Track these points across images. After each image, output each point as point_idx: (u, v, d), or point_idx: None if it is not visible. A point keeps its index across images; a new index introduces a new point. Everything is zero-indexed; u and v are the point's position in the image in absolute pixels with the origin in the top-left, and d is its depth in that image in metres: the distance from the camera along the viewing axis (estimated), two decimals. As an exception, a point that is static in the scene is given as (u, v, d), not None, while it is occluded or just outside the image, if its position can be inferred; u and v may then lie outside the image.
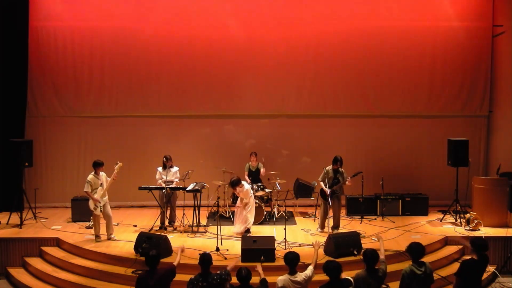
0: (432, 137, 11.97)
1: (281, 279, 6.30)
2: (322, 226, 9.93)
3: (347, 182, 9.60)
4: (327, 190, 9.51)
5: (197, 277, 6.24)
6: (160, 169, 10.20)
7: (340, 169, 9.66)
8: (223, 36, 11.78)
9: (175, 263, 6.75)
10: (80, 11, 11.65)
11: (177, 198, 10.48)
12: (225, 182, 10.79)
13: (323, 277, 7.67)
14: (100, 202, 9.24)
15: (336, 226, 9.78)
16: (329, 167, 9.72)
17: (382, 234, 9.71)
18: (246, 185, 9.68)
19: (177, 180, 10.22)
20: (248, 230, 9.63)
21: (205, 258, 6.32)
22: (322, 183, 9.66)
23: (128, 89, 11.87)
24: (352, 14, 11.79)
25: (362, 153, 12.02)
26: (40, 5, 11.59)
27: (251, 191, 9.77)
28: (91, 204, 9.25)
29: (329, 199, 9.41)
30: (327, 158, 9.92)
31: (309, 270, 6.44)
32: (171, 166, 10.16)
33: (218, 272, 6.33)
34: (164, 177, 10.06)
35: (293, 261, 6.34)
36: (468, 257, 6.84)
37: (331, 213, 9.73)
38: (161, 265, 6.55)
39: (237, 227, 9.74)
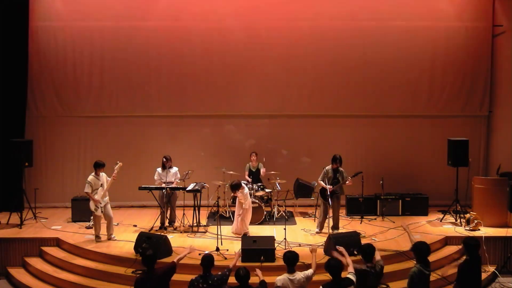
0: (432, 137, 11.96)
1: (280, 278, 6.30)
2: (321, 227, 9.88)
3: (347, 182, 9.57)
4: (329, 187, 9.43)
5: (197, 278, 6.25)
6: (159, 169, 10.18)
7: (339, 168, 9.63)
8: (223, 36, 11.77)
9: (175, 260, 6.68)
10: (80, 11, 11.64)
11: (177, 198, 10.47)
12: (225, 182, 10.79)
13: (323, 277, 7.72)
14: (100, 203, 9.24)
15: (335, 226, 9.75)
16: (329, 167, 9.69)
17: (381, 234, 9.73)
18: (246, 188, 9.66)
19: (177, 180, 10.21)
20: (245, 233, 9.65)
21: (207, 259, 6.32)
22: (322, 182, 9.63)
23: (128, 89, 11.86)
24: (352, 14, 11.78)
25: (362, 153, 12.02)
26: (40, 5, 11.58)
27: (249, 193, 9.75)
28: (92, 205, 9.24)
29: (329, 199, 9.39)
30: (327, 158, 9.91)
31: (309, 272, 6.45)
32: (171, 167, 10.15)
33: (220, 273, 6.32)
34: (163, 178, 10.06)
35: (291, 260, 6.34)
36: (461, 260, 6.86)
37: (330, 213, 9.70)
38: (160, 265, 6.55)
39: (235, 229, 9.74)
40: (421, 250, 6.25)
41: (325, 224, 9.78)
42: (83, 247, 9.01)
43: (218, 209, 9.82)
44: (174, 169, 10.23)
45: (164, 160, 10.09)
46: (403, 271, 7.97)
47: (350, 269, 6.17)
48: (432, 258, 8.39)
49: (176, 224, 10.22)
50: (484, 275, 8.48)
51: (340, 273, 5.99)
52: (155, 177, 10.19)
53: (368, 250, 6.39)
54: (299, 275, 6.32)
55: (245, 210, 9.54)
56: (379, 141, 12.05)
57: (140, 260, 8.17)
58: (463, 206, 10.62)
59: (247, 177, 10.98)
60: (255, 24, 11.80)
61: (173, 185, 10.08)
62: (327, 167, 9.70)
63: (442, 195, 11.40)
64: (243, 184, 9.55)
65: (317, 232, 9.83)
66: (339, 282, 5.98)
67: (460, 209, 10.44)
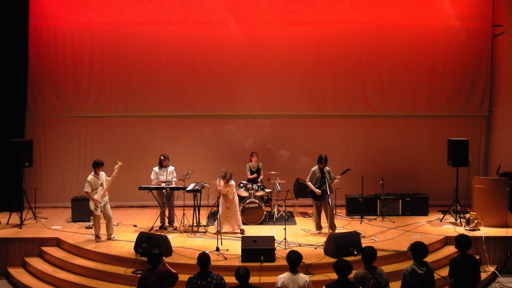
0: (432, 137, 11.96)
1: (281, 277, 6.28)
2: (319, 227, 9.86)
3: (335, 180, 9.59)
4: (318, 191, 9.48)
5: (196, 276, 6.25)
6: (156, 168, 10.17)
7: (326, 168, 9.62)
8: (223, 35, 11.77)
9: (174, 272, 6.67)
10: (80, 11, 11.64)
11: (176, 198, 10.46)
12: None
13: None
14: (100, 203, 9.23)
15: (332, 226, 9.64)
16: (316, 167, 9.67)
17: (381, 234, 9.73)
18: (232, 181, 9.80)
19: (174, 179, 10.22)
20: (242, 231, 9.67)
21: (203, 257, 6.34)
22: (310, 183, 9.62)
23: (128, 89, 11.87)
24: (352, 14, 11.78)
25: (362, 153, 12.02)
26: (40, 5, 11.59)
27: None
28: (91, 205, 9.24)
29: (329, 199, 9.38)
30: (327, 158, 9.89)
31: (309, 279, 6.36)
32: (167, 165, 10.16)
33: (217, 276, 6.30)
34: (161, 177, 10.06)
35: (295, 261, 6.31)
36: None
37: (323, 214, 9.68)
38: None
39: (229, 227, 9.78)
40: (417, 250, 6.28)
41: (325, 224, 9.77)
42: (83, 247, 9.00)
43: (218, 209, 9.82)
44: (171, 168, 10.21)
45: (162, 158, 10.09)
46: (403, 271, 7.95)
47: None
48: (432, 258, 8.44)
49: (176, 224, 10.22)
50: (484, 275, 8.48)
51: (348, 275, 5.91)
52: (152, 177, 10.15)
53: (369, 252, 6.28)
54: (303, 278, 6.28)
55: (232, 201, 9.61)
56: (379, 141, 12.04)
57: (140, 260, 8.21)
58: (463, 206, 10.61)
59: (249, 176, 10.96)
60: (255, 24, 11.79)
61: (173, 185, 10.08)
62: (314, 168, 9.69)
63: (442, 195, 11.40)
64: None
65: (317, 233, 9.80)
66: (346, 284, 5.88)
67: (460, 209, 10.43)
